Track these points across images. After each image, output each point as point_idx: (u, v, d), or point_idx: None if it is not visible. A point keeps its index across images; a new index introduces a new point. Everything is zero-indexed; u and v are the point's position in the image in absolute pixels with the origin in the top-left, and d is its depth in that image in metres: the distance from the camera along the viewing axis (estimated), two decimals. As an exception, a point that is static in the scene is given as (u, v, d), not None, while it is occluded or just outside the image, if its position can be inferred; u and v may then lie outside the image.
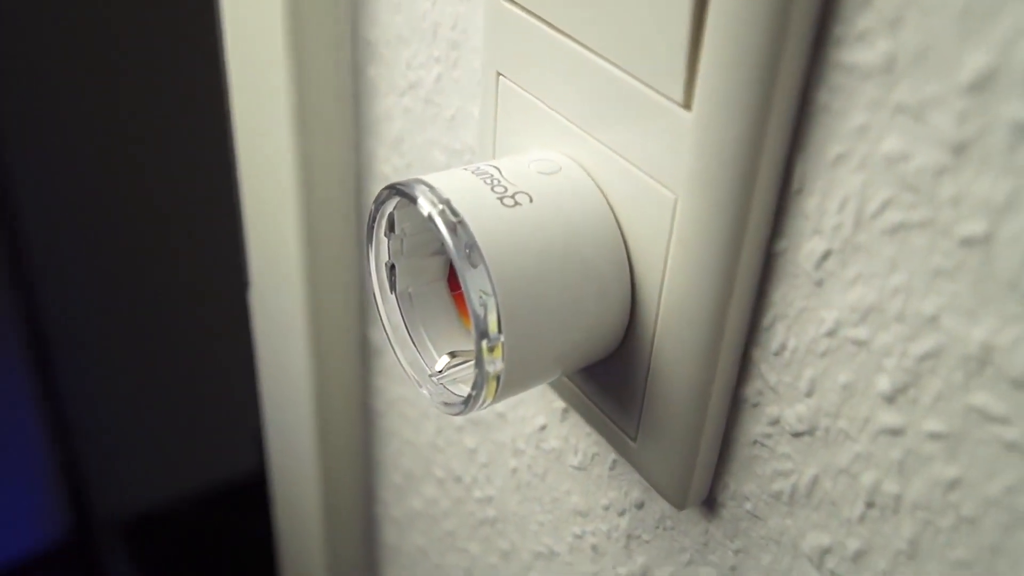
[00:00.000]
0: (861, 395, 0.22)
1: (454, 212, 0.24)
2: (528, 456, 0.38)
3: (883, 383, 0.22)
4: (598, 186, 0.26)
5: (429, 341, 0.29)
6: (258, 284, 0.55)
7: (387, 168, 0.42)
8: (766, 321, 0.24)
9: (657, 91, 0.23)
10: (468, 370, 0.28)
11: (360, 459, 0.56)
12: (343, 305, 0.49)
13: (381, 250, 0.28)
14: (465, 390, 0.28)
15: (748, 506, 0.27)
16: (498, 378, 0.24)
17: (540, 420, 0.37)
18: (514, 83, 0.28)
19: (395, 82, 0.39)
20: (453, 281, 0.30)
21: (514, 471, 0.40)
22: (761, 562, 0.28)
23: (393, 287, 0.29)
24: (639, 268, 0.26)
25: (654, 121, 0.23)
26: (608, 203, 0.26)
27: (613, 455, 0.33)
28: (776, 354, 0.24)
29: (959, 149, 0.18)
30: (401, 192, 0.25)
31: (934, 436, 0.21)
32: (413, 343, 0.29)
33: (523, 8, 0.27)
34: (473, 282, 0.23)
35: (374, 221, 0.27)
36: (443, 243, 0.24)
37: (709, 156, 0.22)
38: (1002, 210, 0.18)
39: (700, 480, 0.28)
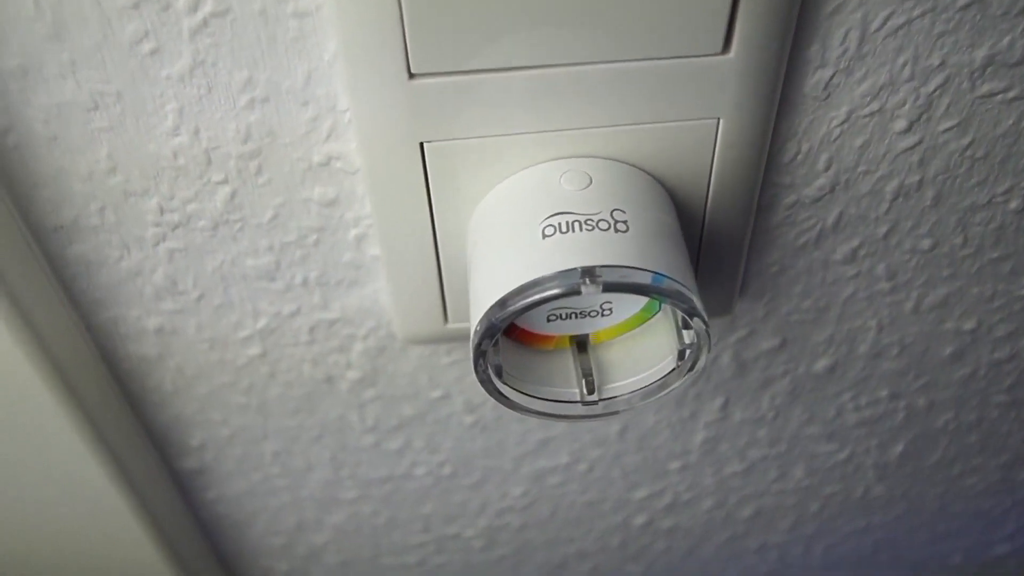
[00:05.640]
0: (878, 143, 0.30)
1: (627, 271, 0.24)
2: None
3: (899, 125, 0.29)
4: (621, 159, 0.27)
5: (544, 384, 0.30)
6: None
7: (156, 320, 0.35)
8: (776, 146, 0.30)
9: (693, 55, 0.25)
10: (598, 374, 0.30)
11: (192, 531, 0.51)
12: (144, 464, 0.42)
13: (491, 367, 0.27)
14: (623, 386, 0.29)
15: (774, 269, 0.34)
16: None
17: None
18: (453, 139, 0.27)
19: (136, 239, 0.31)
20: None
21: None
22: (794, 290, 0.35)
23: (501, 376, 0.28)
24: (684, 186, 0.29)
25: (691, 78, 0.25)
26: (637, 165, 0.28)
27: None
28: (788, 163, 0.30)
29: (953, -46, 0.24)
30: (541, 301, 0.25)
31: (948, 129, 0.29)
32: (542, 399, 0.29)
33: (458, 72, 0.25)
34: (672, 304, 0.25)
35: (483, 356, 0.26)
36: (646, 297, 0.25)
37: (749, 80, 0.25)
38: (993, -26, 0.25)
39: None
